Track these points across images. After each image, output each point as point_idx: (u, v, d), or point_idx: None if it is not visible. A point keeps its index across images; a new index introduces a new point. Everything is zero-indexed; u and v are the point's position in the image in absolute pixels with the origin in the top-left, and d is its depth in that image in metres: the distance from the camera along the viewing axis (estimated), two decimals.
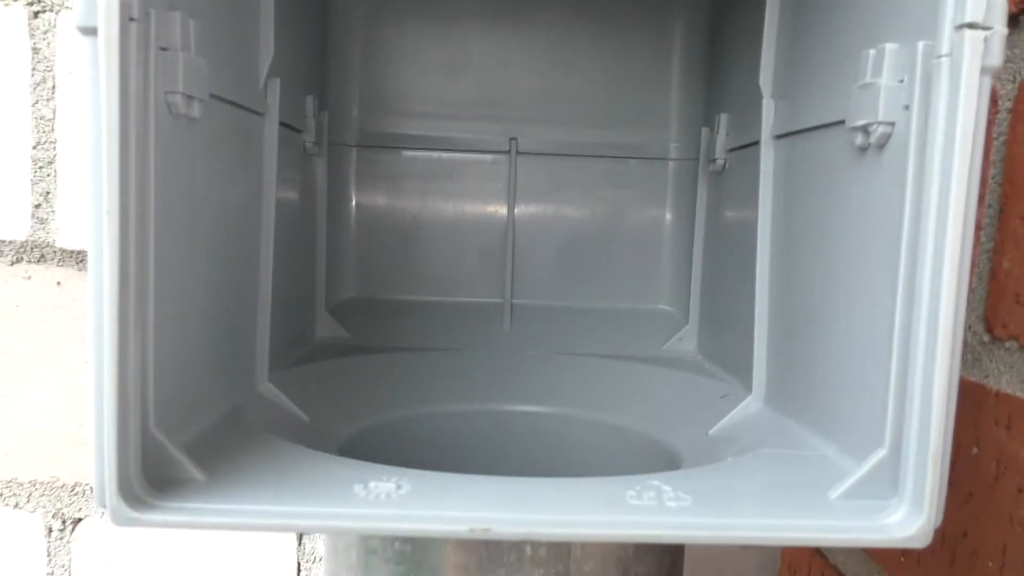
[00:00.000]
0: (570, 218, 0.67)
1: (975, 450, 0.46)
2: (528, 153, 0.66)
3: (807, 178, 0.41)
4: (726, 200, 0.57)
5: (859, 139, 0.34)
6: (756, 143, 0.48)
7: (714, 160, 0.58)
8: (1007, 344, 0.44)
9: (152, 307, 0.29)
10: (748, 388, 0.47)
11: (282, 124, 0.47)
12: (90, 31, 0.25)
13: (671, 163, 0.66)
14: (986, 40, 0.25)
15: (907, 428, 0.29)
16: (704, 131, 0.62)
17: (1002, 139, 0.45)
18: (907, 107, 0.30)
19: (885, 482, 0.29)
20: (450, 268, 0.66)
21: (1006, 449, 0.43)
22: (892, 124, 0.31)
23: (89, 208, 0.26)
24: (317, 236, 0.61)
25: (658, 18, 0.65)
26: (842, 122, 0.36)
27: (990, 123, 0.46)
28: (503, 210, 0.66)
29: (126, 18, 0.25)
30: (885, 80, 0.31)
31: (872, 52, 0.33)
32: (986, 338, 0.46)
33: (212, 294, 0.38)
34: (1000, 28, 0.25)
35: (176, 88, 0.30)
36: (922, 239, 0.28)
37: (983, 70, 0.26)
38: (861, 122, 0.33)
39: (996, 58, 0.25)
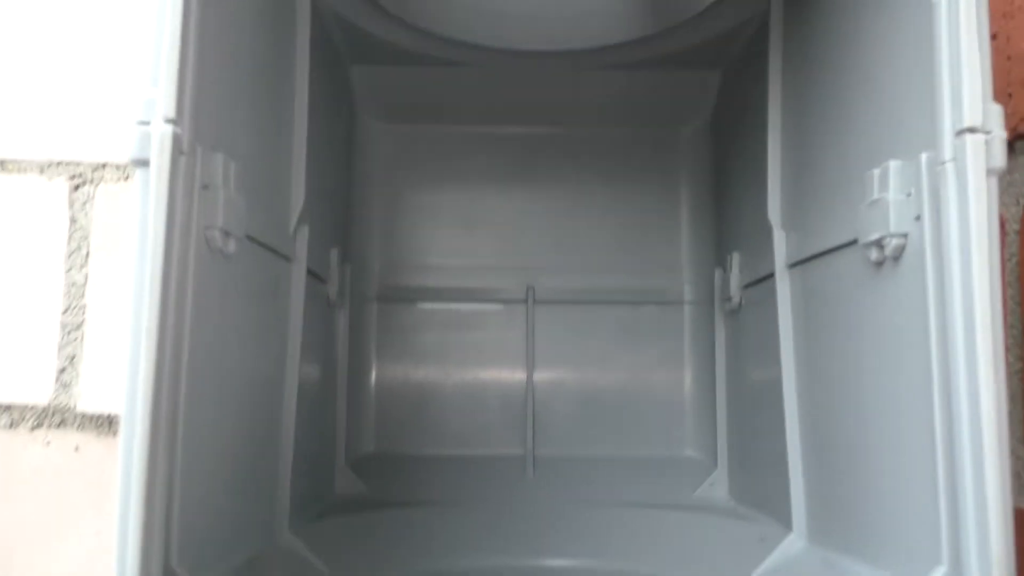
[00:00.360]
0: (589, 365, 0.67)
1: None
2: (545, 302, 0.67)
3: (825, 302, 0.42)
4: (744, 338, 0.57)
5: (874, 254, 0.34)
6: (770, 276, 0.49)
7: (729, 299, 0.59)
8: None
9: (180, 448, 0.29)
10: (787, 527, 0.46)
11: (309, 272, 0.49)
12: (143, 163, 0.27)
13: (687, 306, 0.67)
14: (987, 143, 0.26)
15: (965, 541, 0.27)
16: (717, 272, 0.63)
17: (1014, 260, 0.46)
18: (918, 217, 0.31)
19: None
20: (470, 420, 0.66)
21: None
22: (905, 236, 0.32)
23: (126, 342, 0.27)
24: (338, 389, 0.61)
25: (664, 165, 0.68)
26: (855, 242, 0.37)
27: (1002, 246, 0.47)
28: (521, 359, 0.66)
29: (177, 152, 0.27)
30: (893, 195, 0.32)
31: (877, 171, 0.34)
32: None
33: (237, 441, 0.37)
34: (999, 132, 0.27)
35: (216, 223, 0.32)
36: (952, 341, 0.28)
37: (989, 172, 0.27)
38: (874, 236, 0.34)
39: (999, 160, 0.27)
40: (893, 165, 0.33)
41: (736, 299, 0.58)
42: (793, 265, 0.46)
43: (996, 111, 0.27)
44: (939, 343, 0.30)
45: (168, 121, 0.27)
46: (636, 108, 0.67)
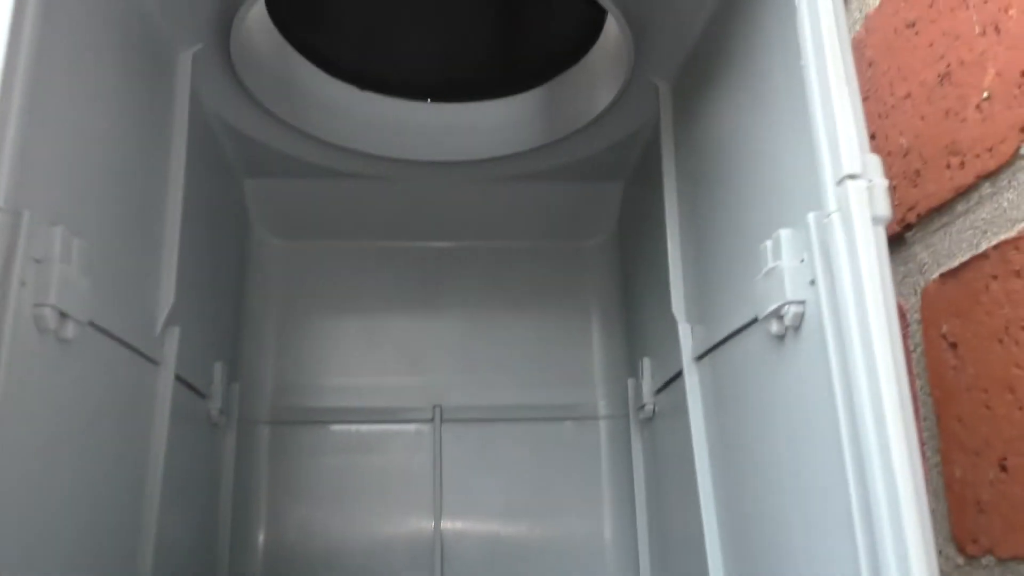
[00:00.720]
0: (502, 492, 0.62)
1: None
2: (453, 420, 0.63)
3: (733, 388, 0.39)
4: (660, 446, 0.54)
5: (774, 327, 0.33)
6: (679, 374, 0.47)
7: (643, 407, 0.56)
8: (983, 561, 0.40)
9: None
10: None
11: (184, 383, 0.44)
12: None
13: (602, 421, 0.64)
14: (869, 190, 0.26)
15: None
16: (630, 382, 0.61)
17: (919, 350, 0.45)
18: (812, 282, 0.30)
19: None
20: (373, 556, 0.59)
21: None
22: (803, 303, 0.31)
23: None
24: (219, 517, 0.55)
25: (571, 278, 0.67)
26: (756, 320, 0.35)
27: (904, 337, 0.46)
28: (428, 487, 0.61)
29: None
30: (786, 262, 0.31)
31: (769, 242, 0.33)
32: (960, 560, 0.41)
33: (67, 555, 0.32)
34: (880, 180, 0.26)
35: (47, 300, 0.28)
36: (858, 403, 0.26)
37: (875, 220, 0.26)
38: (772, 307, 0.32)
39: (883, 208, 0.26)
40: (784, 233, 0.32)
41: (649, 406, 0.55)
42: (700, 357, 0.44)
43: (874, 161, 0.26)
44: (846, 410, 0.28)
45: None
46: (540, 222, 0.67)
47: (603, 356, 0.65)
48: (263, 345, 0.63)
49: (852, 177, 0.26)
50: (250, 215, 0.63)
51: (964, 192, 0.41)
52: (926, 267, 0.45)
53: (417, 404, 0.63)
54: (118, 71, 0.37)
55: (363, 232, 0.65)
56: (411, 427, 0.63)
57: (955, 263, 0.42)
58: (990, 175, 0.40)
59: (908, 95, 0.47)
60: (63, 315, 0.29)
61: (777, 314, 0.32)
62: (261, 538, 0.59)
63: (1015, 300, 0.38)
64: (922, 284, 0.45)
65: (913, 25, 0.47)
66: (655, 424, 0.56)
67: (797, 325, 0.31)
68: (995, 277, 0.39)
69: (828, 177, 0.27)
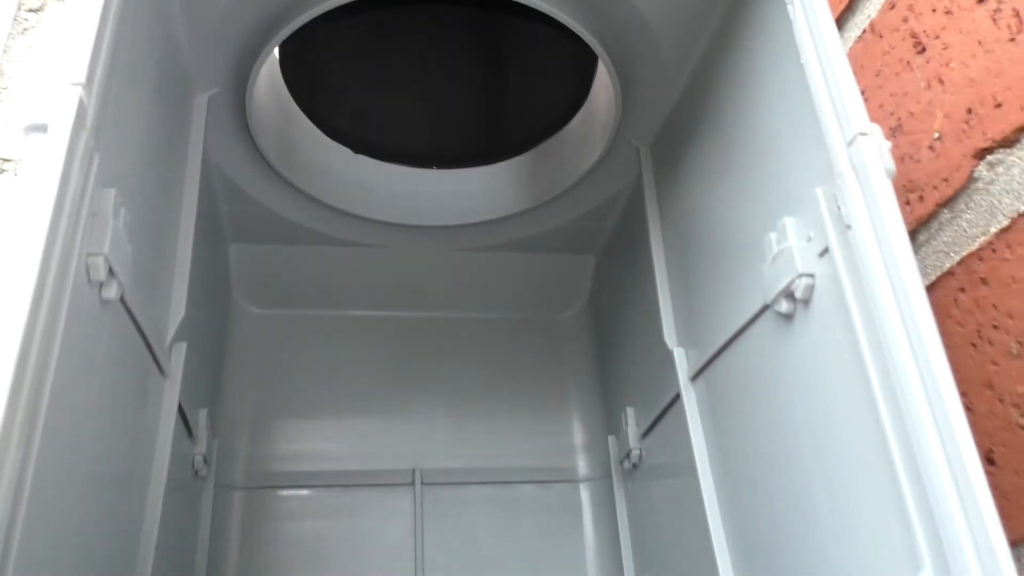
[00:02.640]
0: (484, 553, 0.60)
1: None
2: (432, 484, 0.62)
3: (736, 393, 0.41)
4: (649, 490, 0.55)
5: (784, 307, 0.35)
6: (671, 405, 0.48)
7: (628, 454, 0.57)
8: None
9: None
10: None
11: (180, 410, 0.43)
12: (39, 128, 0.24)
13: (582, 483, 0.64)
14: (879, 147, 0.29)
15: (952, 535, 0.25)
16: (610, 439, 0.61)
17: None
18: (822, 253, 0.33)
19: None
20: None
21: None
22: (812, 276, 0.34)
23: None
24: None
25: (547, 347, 0.69)
26: (762, 311, 0.37)
27: None
28: (407, 548, 0.59)
29: (80, 124, 0.25)
30: (794, 241, 0.34)
31: (774, 234, 0.36)
32: None
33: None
34: (885, 142, 0.29)
35: (101, 250, 0.28)
36: (897, 356, 0.28)
37: (887, 173, 0.29)
38: (783, 284, 0.34)
39: (891, 163, 0.29)
40: (788, 220, 0.35)
41: (636, 451, 0.56)
42: (695, 376, 0.46)
43: (877, 128, 0.30)
44: (879, 369, 0.29)
45: (75, 84, 0.25)
46: (518, 293, 0.69)
47: (581, 420, 0.66)
48: (239, 409, 0.61)
49: (863, 135, 0.29)
50: (232, 282, 0.63)
51: (925, 222, 0.46)
52: None
53: (396, 467, 0.62)
54: (152, 93, 0.38)
55: (344, 301, 0.66)
56: (390, 491, 0.61)
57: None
58: (947, 202, 0.44)
59: None
60: (111, 272, 0.29)
61: (787, 292, 0.35)
62: None
63: (983, 305, 0.42)
64: None
65: (863, 93, 0.53)
66: (642, 470, 0.56)
67: (808, 299, 0.34)
68: (962, 290, 0.43)
69: (837, 142, 0.30)
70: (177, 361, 0.41)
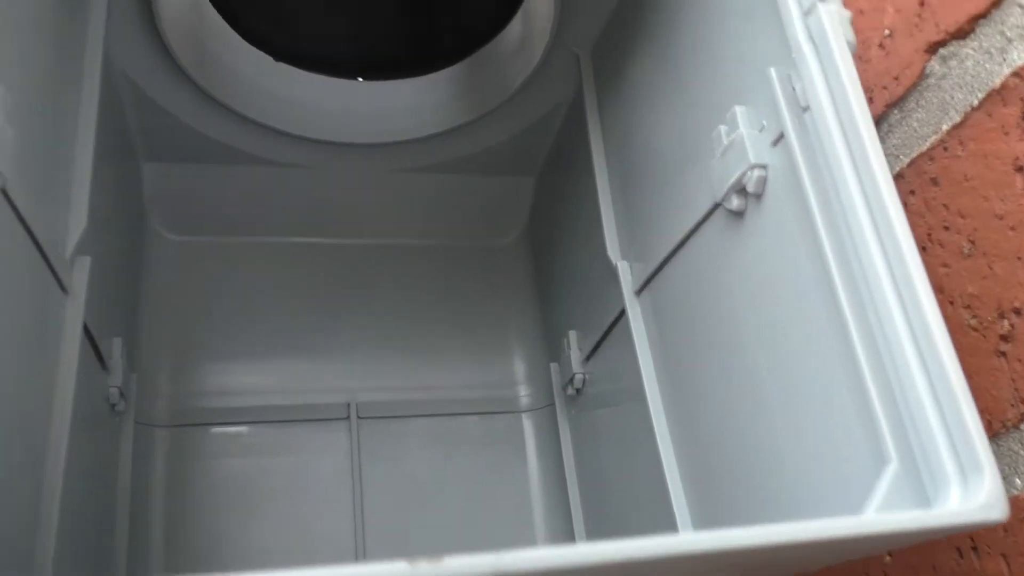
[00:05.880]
0: (423, 487, 0.58)
1: None
2: (368, 417, 0.59)
3: (684, 303, 0.39)
4: (593, 414, 0.53)
5: (735, 203, 0.33)
6: (615, 323, 0.47)
7: (571, 380, 0.55)
8: None
9: None
10: None
11: (88, 334, 0.39)
12: None
13: (524, 413, 0.62)
14: (840, 14, 0.27)
15: (922, 429, 0.23)
16: (552, 366, 0.59)
17: None
18: (775, 142, 0.31)
19: (908, 493, 0.23)
20: (290, 561, 0.53)
21: None
22: (765, 167, 0.31)
23: None
24: (116, 523, 0.48)
25: (486, 273, 0.66)
26: (712, 210, 0.35)
27: None
28: (345, 485, 0.57)
29: None
30: (745, 131, 0.32)
31: (723, 126, 0.34)
32: None
33: None
34: (845, 11, 0.27)
35: None
36: (858, 239, 0.26)
37: (849, 45, 0.27)
38: (733, 177, 0.32)
39: (851, 35, 0.27)
40: (739, 109, 0.33)
41: (580, 375, 0.54)
42: (640, 289, 0.44)
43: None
44: (834, 246, 0.27)
45: None
46: (454, 218, 0.66)
47: (522, 348, 0.64)
48: (160, 343, 0.57)
49: (823, 1, 0.27)
50: (147, 205, 0.59)
51: (876, 124, 0.44)
52: None
53: (330, 401, 0.59)
54: None
55: (269, 227, 0.62)
56: (324, 426, 0.58)
57: None
58: (897, 102, 0.43)
59: None
60: None
61: (738, 186, 0.32)
62: (161, 545, 0.52)
63: (933, 206, 0.41)
64: None
65: None
66: (586, 395, 0.54)
67: (760, 192, 0.32)
68: (912, 192, 0.42)
69: (794, 13, 0.28)
70: (80, 278, 0.37)
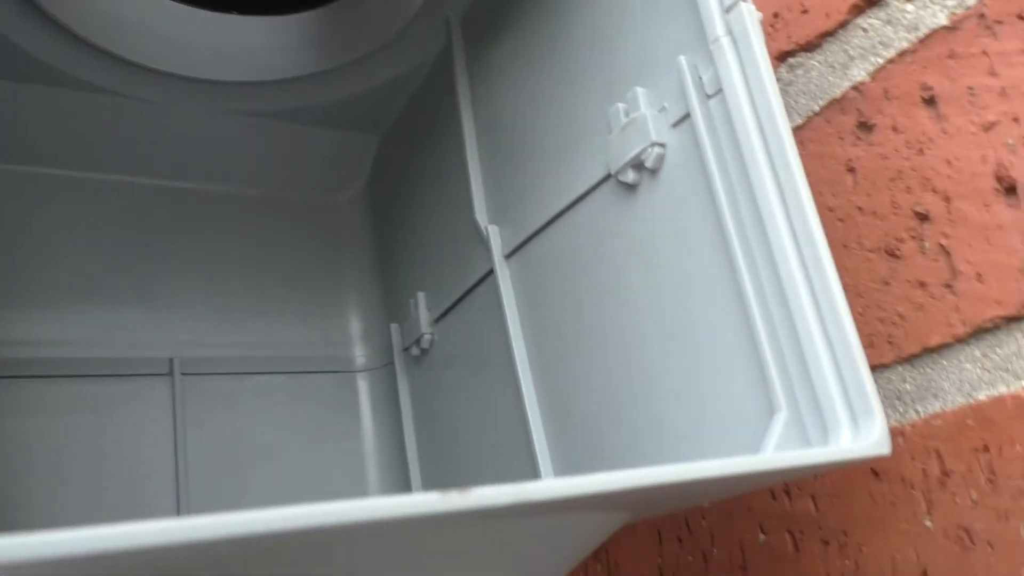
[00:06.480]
0: (252, 448, 0.56)
1: None
2: (192, 374, 0.55)
3: (560, 270, 0.41)
4: (440, 374, 0.54)
5: (631, 176, 0.35)
6: (479, 283, 0.48)
7: (418, 341, 0.55)
8: None
9: None
10: None
11: None
12: None
13: (359, 373, 0.61)
14: (757, 15, 0.30)
15: (808, 376, 0.27)
16: (393, 327, 0.59)
17: None
18: (675, 124, 0.34)
19: (797, 439, 0.27)
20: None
21: None
22: (664, 146, 0.34)
23: None
24: None
25: (322, 232, 0.64)
26: (603, 180, 0.37)
27: None
28: (166, 446, 0.53)
29: None
30: (647, 111, 0.34)
31: (621, 105, 0.36)
32: None
33: None
34: (756, 11, 0.30)
35: None
36: (763, 214, 0.29)
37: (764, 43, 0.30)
38: (632, 153, 0.35)
39: (761, 32, 0.30)
40: (640, 91, 0.35)
41: (427, 337, 0.55)
42: (511, 254, 0.45)
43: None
44: (735, 219, 0.30)
45: None
46: (291, 169, 0.63)
47: (359, 308, 0.63)
48: None
49: (744, 0, 0.30)
50: None
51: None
52: None
53: (150, 355, 0.54)
54: None
55: (88, 162, 0.56)
56: (143, 382, 0.54)
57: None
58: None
59: None
60: None
61: (636, 161, 0.35)
62: None
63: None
64: None
65: None
66: (433, 356, 0.55)
67: (657, 168, 0.34)
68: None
69: (715, 9, 0.30)
70: None
